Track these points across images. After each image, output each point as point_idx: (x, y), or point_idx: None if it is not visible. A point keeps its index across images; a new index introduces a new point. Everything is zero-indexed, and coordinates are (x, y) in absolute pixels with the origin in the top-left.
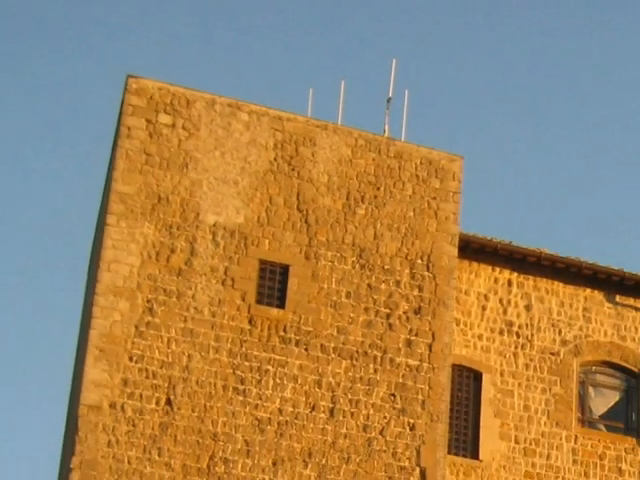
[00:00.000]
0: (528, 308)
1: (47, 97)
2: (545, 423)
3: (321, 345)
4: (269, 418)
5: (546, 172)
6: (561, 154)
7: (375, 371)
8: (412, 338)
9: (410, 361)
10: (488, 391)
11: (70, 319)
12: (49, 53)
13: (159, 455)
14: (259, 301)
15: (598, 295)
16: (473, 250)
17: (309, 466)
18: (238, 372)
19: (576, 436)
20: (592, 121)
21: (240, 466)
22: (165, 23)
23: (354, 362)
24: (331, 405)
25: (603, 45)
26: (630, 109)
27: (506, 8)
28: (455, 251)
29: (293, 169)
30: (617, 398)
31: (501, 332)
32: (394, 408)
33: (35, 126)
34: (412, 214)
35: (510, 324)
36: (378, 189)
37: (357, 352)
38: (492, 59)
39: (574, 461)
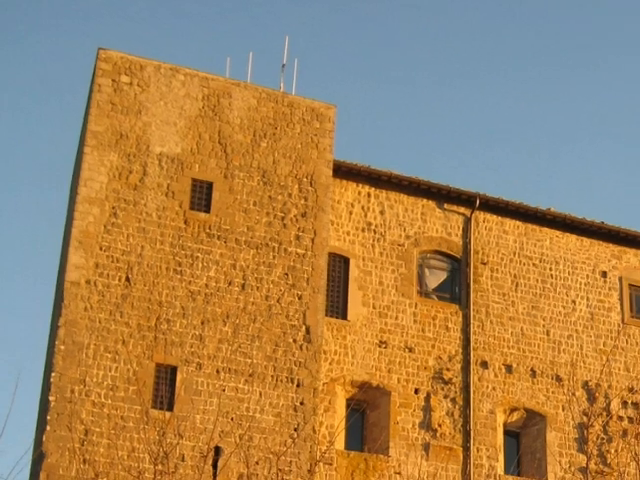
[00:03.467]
0: (382, 213)
1: (42, 64)
2: (394, 294)
3: (235, 239)
4: (199, 290)
5: (393, 114)
6: (404, 98)
7: (274, 257)
8: (300, 234)
9: (298, 250)
10: (354, 271)
11: (57, 221)
12: (45, 32)
13: (120, 317)
14: (192, 208)
15: (432, 204)
16: (343, 172)
17: (227, 324)
18: (177, 258)
19: (416, 303)
20: (422, 73)
21: (178, 324)
22: (125, 10)
23: (259, 251)
24: (242, 281)
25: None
26: (455, 60)
27: None
28: (330, 172)
29: (216, 114)
30: (445, 276)
31: (363, 230)
32: (287, 284)
33: (32, 85)
34: (300, 146)
35: (369, 224)
36: (276, 128)
37: (261, 244)
38: (360, 35)
39: (414, 321)
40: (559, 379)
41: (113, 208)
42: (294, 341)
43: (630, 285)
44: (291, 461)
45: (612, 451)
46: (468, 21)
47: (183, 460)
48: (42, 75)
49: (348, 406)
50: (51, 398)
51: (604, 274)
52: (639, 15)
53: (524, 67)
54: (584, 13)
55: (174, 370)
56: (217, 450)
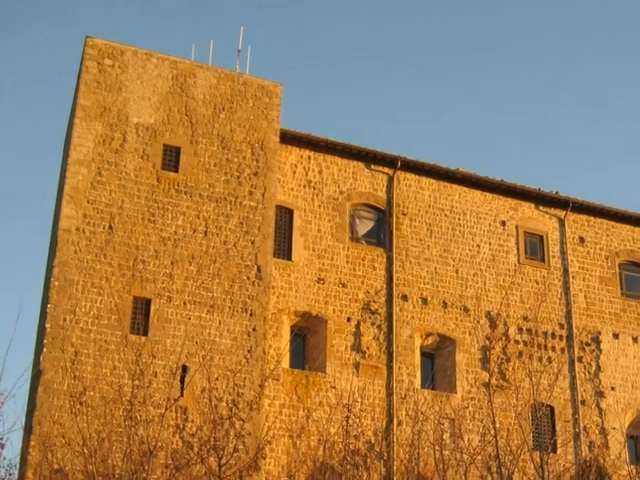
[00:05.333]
0: (320, 172)
1: (40, 50)
2: (330, 239)
3: (199, 194)
4: (169, 237)
5: (330, 90)
6: (338, 77)
7: (231, 209)
8: (253, 190)
9: (251, 203)
10: (297, 221)
11: (52, 179)
12: (42, 24)
13: (104, 258)
14: (163, 168)
15: (361, 165)
16: (288, 139)
17: (192, 265)
18: (151, 210)
19: (348, 247)
20: (353, 56)
21: (152, 264)
22: (110, 5)
23: (218, 204)
24: (205, 229)
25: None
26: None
27: None
28: (277, 139)
29: (183, 91)
30: (372, 225)
31: (304, 186)
32: (242, 231)
33: (31, 68)
34: (252, 117)
35: (309, 182)
36: (232, 103)
37: (220, 198)
38: (303, 27)
39: (347, 262)
40: (466, 309)
41: (98, 169)
42: (247, 278)
43: (525, 232)
44: (245, 377)
45: (510, 369)
46: (395, 10)
47: (156, 377)
48: (39, 59)
49: (292, 332)
50: (47, 325)
51: (503, 223)
52: None
53: (438, 46)
54: None
55: (148, 302)
56: (184, 368)
